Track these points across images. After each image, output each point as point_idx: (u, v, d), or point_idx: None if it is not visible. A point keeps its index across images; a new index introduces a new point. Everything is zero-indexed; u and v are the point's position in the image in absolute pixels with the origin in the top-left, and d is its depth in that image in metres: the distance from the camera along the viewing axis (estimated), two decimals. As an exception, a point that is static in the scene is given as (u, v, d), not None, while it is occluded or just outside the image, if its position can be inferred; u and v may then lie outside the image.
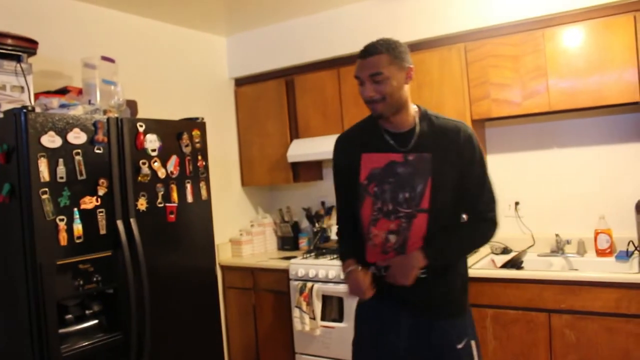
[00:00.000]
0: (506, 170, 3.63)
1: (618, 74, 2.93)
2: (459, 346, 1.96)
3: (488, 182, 2.00)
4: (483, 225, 2.00)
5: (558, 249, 3.35)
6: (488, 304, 2.98)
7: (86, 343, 2.40)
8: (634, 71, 2.88)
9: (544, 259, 3.30)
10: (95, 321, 2.50)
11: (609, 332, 2.68)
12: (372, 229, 1.98)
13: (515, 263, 3.14)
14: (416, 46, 3.58)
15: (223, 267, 4.05)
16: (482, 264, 3.26)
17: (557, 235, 3.37)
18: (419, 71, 3.51)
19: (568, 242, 3.34)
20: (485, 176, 1.99)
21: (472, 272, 3.04)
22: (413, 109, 1.99)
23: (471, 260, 3.30)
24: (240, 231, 4.29)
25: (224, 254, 4.14)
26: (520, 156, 3.60)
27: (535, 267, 3.14)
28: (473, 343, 2.01)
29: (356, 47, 3.72)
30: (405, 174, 1.92)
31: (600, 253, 3.17)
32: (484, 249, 3.58)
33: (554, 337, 2.81)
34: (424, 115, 1.99)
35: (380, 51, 1.87)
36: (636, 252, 3.05)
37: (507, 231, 3.62)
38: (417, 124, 1.96)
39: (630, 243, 3.10)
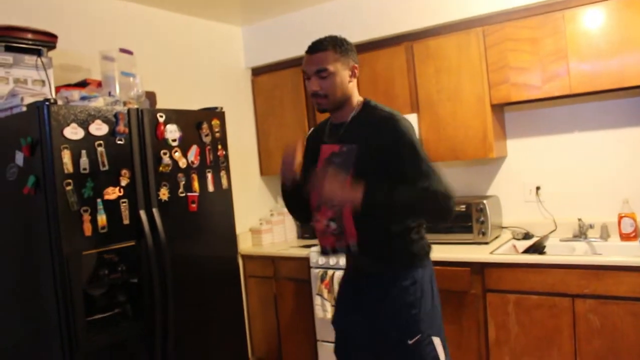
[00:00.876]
0: (526, 155, 3.61)
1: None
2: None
3: (426, 167, 1.91)
4: (432, 193, 1.89)
5: (581, 234, 3.32)
6: (510, 290, 2.98)
7: (112, 331, 2.45)
8: (657, 51, 2.85)
9: (567, 243, 3.28)
10: (121, 310, 2.54)
11: (635, 316, 2.66)
12: (316, 214, 2.10)
13: (537, 248, 3.12)
14: (434, 31, 3.57)
15: (244, 257, 4.09)
16: (503, 249, 3.25)
17: (579, 219, 3.34)
18: (437, 56, 3.50)
19: (591, 226, 3.31)
20: (419, 162, 1.92)
21: (494, 258, 3.04)
22: (357, 102, 2.08)
23: (492, 246, 3.30)
24: (260, 220, 4.32)
25: (245, 243, 4.17)
26: (541, 140, 3.58)
27: (557, 252, 3.12)
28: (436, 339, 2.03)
29: (372, 34, 3.79)
30: (338, 164, 2.00)
31: (625, 237, 3.15)
32: (505, 235, 3.57)
33: (577, 322, 2.80)
34: (364, 107, 2.07)
35: (327, 48, 1.97)
36: (661, 235, 3.03)
37: (528, 216, 3.60)
38: (351, 116, 2.05)
39: (655, 226, 3.08)
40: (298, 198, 2.16)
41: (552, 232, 3.44)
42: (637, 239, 3.10)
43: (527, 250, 3.14)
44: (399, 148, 1.92)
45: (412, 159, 1.92)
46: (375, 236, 2.04)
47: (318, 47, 1.99)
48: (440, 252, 3.25)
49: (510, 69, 3.26)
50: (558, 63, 3.10)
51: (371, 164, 1.94)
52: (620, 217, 3.16)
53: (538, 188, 3.58)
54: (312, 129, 2.29)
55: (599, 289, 2.74)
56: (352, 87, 2.05)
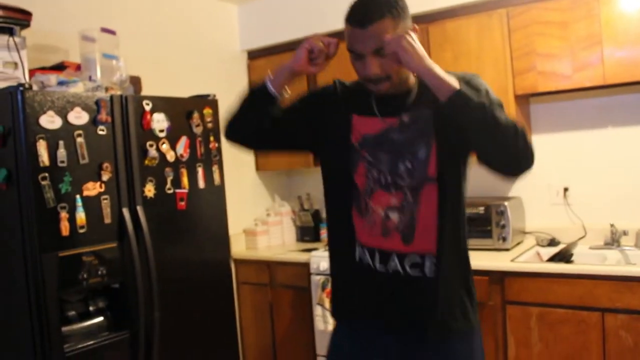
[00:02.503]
0: (554, 153, 3.63)
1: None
2: None
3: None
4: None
5: (613, 241, 3.34)
6: (533, 302, 3.00)
7: (91, 342, 2.48)
8: None
9: (597, 251, 3.30)
10: (100, 318, 2.58)
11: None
12: (369, 202, 1.78)
13: (564, 256, 3.15)
14: (452, 12, 3.58)
15: (236, 261, 4.11)
16: (526, 257, 3.27)
17: (612, 225, 3.36)
18: (455, 40, 3.52)
19: (625, 233, 3.33)
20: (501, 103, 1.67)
21: (515, 266, 3.07)
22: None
23: (514, 253, 3.32)
24: (255, 221, 4.35)
25: (237, 246, 4.19)
26: (570, 136, 3.60)
27: (586, 261, 3.14)
28: None
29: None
30: (402, 139, 1.74)
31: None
32: (528, 241, 3.59)
33: (607, 340, 2.82)
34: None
35: (384, 14, 1.61)
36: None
37: (554, 221, 3.62)
38: (416, 85, 1.77)
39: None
40: (266, 111, 1.82)
41: (580, 238, 3.46)
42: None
43: (553, 259, 3.16)
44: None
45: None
46: (457, 247, 1.77)
47: (372, 16, 1.61)
48: (455, 259, 3.27)
49: (537, 56, 3.28)
50: (591, 50, 3.12)
51: (454, 135, 1.65)
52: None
53: (566, 189, 3.60)
54: (334, 81, 1.95)
55: (633, 303, 2.76)
56: None
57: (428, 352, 1.74)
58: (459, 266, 1.77)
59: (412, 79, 1.76)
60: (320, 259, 3.65)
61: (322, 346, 3.66)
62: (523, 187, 3.73)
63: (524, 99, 3.57)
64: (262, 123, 1.83)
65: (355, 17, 1.65)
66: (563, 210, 3.62)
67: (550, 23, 3.24)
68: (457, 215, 1.75)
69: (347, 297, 1.87)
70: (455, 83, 1.56)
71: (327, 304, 3.51)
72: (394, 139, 1.75)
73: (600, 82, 3.12)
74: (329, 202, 1.93)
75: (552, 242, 3.49)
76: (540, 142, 3.66)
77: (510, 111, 3.37)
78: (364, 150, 1.78)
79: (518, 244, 3.53)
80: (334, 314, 1.96)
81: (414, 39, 1.59)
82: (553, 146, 3.64)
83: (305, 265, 3.75)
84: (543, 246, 3.48)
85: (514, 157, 1.60)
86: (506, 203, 3.41)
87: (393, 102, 1.76)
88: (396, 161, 1.74)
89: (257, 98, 1.83)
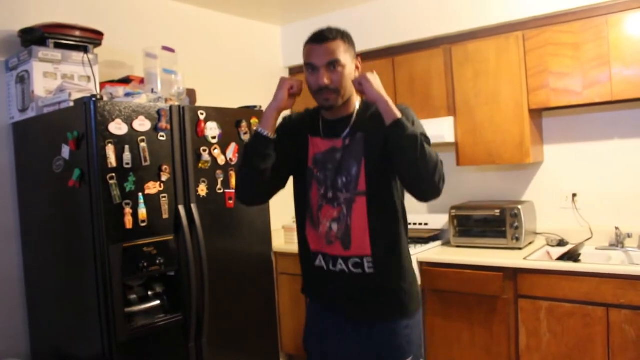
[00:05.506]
0: (564, 161, 3.58)
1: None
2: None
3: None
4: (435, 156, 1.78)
5: (617, 243, 3.29)
6: (543, 297, 2.97)
7: (149, 322, 2.52)
8: None
9: (603, 252, 3.25)
10: (158, 302, 2.62)
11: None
12: (320, 216, 1.93)
13: (572, 255, 3.10)
14: (472, 35, 3.57)
15: (276, 254, 4.13)
16: (537, 255, 3.23)
17: (617, 228, 3.30)
18: (476, 60, 3.50)
19: (629, 235, 3.27)
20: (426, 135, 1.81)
21: (527, 264, 3.04)
22: (356, 97, 1.95)
23: (526, 252, 3.28)
24: (293, 218, 4.35)
25: (277, 240, 4.20)
26: (579, 147, 3.54)
27: (593, 261, 3.10)
28: None
29: (409, 36, 3.81)
30: (342, 158, 1.88)
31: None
32: (539, 241, 3.55)
33: (612, 333, 2.78)
34: (365, 102, 1.93)
35: (336, 37, 1.82)
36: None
37: (563, 223, 3.57)
38: (356, 111, 1.92)
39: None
40: (263, 160, 1.89)
41: (587, 239, 3.41)
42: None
43: (562, 258, 3.12)
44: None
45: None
46: (390, 248, 1.93)
47: (327, 36, 1.81)
48: (472, 257, 3.26)
49: (550, 74, 3.24)
50: (600, 69, 3.07)
51: (382, 154, 1.82)
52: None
53: (574, 195, 3.55)
54: (284, 118, 2.08)
55: (636, 299, 2.71)
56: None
57: (373, 331, 1.90)
58: (395, 264, 1.91)
59: (353, 107, 1.92)
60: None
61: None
62: (535, 192, 3.69)
63: (537, 113, 3.53)
64: (264, 173, 1.90)
65: (315, 37, 1.85)
66: (572, 213, 3.56)
67: (562, 44, 3.20)
68: (389, 222, 1.90)
69: (312, 287, 2.08)
70: (398, 114, 1.74)
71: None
72: (336, 158, 1.90)
73: (608, 98, 3.08)
74: (296, 214, 2.08)
75: (561, 243, 3.45)
76: (551, 152, 3.62)
77: (524, 124, 3.34)
78: (315, 168, 1.94)
79: (530, 243, 3.49)
80: (304, 292, 2.14)
81: (375, 76, 1.81)
82: (563, 155, 3.59)
83: (337, 259, 3.74)
84: (553, 246, 3.43)
85: (426, 186, 1.75)
86: (520, 206, 3.38)
87: (337, 125, 1.92)
88: (336, 177, 1.89)
89: (257, 146, 1.90)
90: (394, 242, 1.91)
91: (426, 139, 1.78)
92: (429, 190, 1.76)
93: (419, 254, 3.46)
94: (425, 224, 3.98)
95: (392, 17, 3.89)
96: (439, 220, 3.92)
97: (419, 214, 4.09)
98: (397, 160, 1.76)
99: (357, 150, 1.86)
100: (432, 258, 3.42)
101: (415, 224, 4.01)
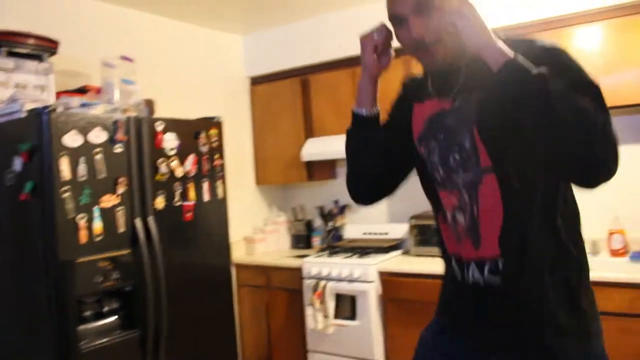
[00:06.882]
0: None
1: (635, 73, 2.92)
2: None
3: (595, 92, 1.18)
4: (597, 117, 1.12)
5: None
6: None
7: (104, 339, 2.44)
8: (653, 72, 2.88)
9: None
10: (113, 318, 2.54)
11: (623, 332, 2.67)
12: (444, 205, 1.42)
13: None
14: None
15: (237, 265, 4.08)
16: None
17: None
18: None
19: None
20: (590, 85, 1.19)
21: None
22: None
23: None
24: (254, 229, 4.33)
25: (238, 252, 4.16)
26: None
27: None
28: None
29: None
30: (452, 125, 1.34)
31: (614, 253, 3.17)
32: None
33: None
34: None
35: None
36: (650, 253, 3.04)
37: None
38: (466, 64, 1.32)
39: (644, 244, 3.10)
40: (366, 146, 1.50)
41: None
42: (627, 255, 3.12)
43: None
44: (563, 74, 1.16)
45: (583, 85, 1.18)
46: (542, 246, 1.27)
47: None
48: (432, 265, 3.26)
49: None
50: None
51: (507, 114, 1.18)
52: (611, 234, 3.19)
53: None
54: (402, 83, 1.62)
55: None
56: None
57: None
58: (549, 270, 1.27)
59: (465, 55, 1.31)
60: (311, 265, 3.63)
61: (312, 342, 3.63)
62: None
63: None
64: (373, 163, 1.51)
65: None
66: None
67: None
68: (531, 210, 1.27)
69: (443, 303, 1.58)
70: (509, 52, 1.16)
71: (317, 304, 3.48)
72: (446, 125, 1.36)
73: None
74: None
75: None
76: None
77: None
78: (422, 144, 1.43)
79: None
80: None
81: (475, 10, 1.20)
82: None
83: (298, 270, 3.72)
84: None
85: (581, 157, 1.11)
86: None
87: (447, 79, 1.36)
88: (447, 151, 1.36)
89: (357, 130, 1.51)
90: (546, 236, 1.28)
91: (582, 86, 1.16)
92: (583, 167, 1.12)
93: (379, 263, 3.46)
94: (385, 234, 3.99)
95: (353, 28, 3.88)
96: (399, 230, 3.93)
97: (378, 223, 4.10)
98: (525, 125, 1.15)
99: (468, 115, 1.30)
100: (391, 267, 3.42)
101: (374, 233, 4.02)
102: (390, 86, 1.70)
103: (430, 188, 1.46)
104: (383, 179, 1.55)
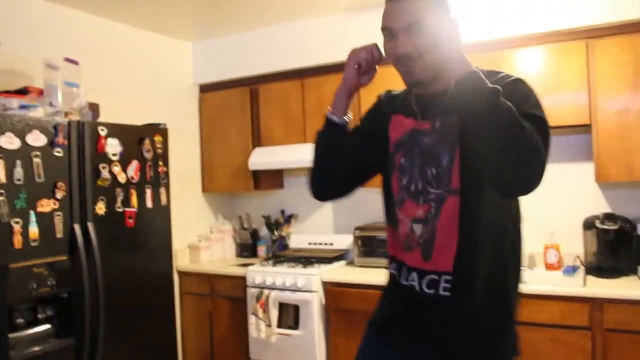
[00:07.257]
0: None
1: (570, 96, 3.05)
2: None
3: (540, 117, 1.36)
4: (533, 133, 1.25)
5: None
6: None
7: (37, 348, 2.37)
8: (585, 95, 3.01)
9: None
10: (48, 326, 2.47)
11: (554, 342, 2.78)
12: (398, 213, 1.52)
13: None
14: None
15: (180, 273, 4.03)
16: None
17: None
18: (382, 84, 3.58)
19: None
20: (540, 119, 1.35)
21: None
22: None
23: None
24: (199, 237, 4.28)
25: (182, 260, 4.11)
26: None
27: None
28: None
29: (322, 59, 3.84)
30: (430, 144, 1.44)
31: (549, 267, 3.29)
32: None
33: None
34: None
35: None
36: (582, 266, 3.17)
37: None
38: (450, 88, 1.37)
39: (577, 258, 3.22)
40: (334, 150, 1.58)
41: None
42: (560, 269, 3.24)
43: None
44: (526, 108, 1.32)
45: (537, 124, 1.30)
46: (485, 269, 1.41)
47: None
48: (375, 276, 3.30)
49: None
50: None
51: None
52: (546, 248, 3.30)
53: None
54: (378, 96, 1.70)
55: (523, 315, 2.83)
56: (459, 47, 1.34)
57: None
58: (487, 291, 1.41)
59: (447, 78, 1.37)
60: (255, 273, 3.62)
61: (255, 351, 3.61)
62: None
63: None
64: (338, 165, 1.59)
65: None
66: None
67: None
68: (485, 234, 1.40)
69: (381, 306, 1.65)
70: (471, 67, 1.26)
71: (260, 313, 3.47)
72: (423, 142, 1.46)
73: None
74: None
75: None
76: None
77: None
78: (398, 154, 1.52)
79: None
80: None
81: (458, 28, 1.33)
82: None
83: (242, 279, 3.70)
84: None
85: (508, 162, 1.21)
86: (420, 228, 3.46)
87: (430, 103, 1.45)
88: (425, 166, 1.45)
89: (328, 134, 1.58)
90: (490, 261, 1.42)
91: (532, 117, 1.29)
92: (505, 178, 1.24)
93: (322, 273, 3.48)
94: (331, 244, 4.02)
95: (303, 40, 3.93)
96: (344, 241, 3.96)
97: (324, 233, 4.12)
98: (465, 131, 1.30)
99: (450, 136, 1.39)
100: (335, 278, 3.45)
101: (320, 243, 4.04)
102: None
103: (391, 195, 1.55)
104: (343, 179, 1.64)
